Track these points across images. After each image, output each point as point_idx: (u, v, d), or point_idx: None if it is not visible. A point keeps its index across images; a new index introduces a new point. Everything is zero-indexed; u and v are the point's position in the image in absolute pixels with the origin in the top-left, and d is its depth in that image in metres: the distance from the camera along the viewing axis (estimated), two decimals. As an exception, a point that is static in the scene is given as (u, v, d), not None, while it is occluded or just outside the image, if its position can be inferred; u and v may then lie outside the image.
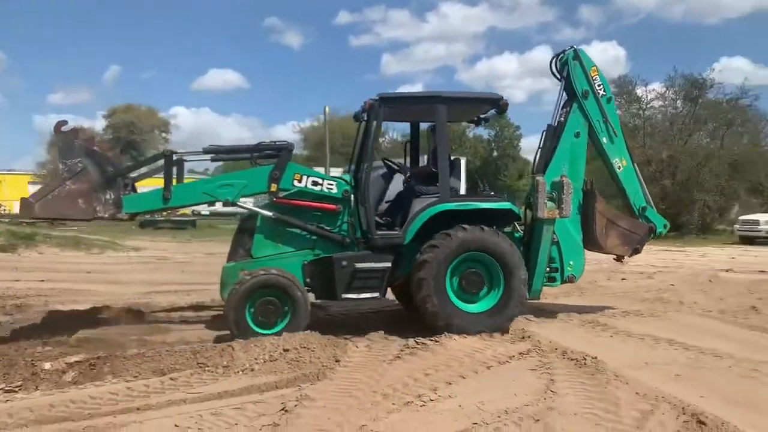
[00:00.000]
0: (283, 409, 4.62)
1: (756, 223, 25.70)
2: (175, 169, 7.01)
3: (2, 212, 52.76)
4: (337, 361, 5.96)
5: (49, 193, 6.23)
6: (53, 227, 32.82)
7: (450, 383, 5.32)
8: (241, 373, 5.68)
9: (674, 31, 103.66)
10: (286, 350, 6.16)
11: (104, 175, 6.59)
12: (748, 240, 25.39)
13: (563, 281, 8.04)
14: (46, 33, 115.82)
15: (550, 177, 7.83)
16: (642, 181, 8.63)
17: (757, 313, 8.72)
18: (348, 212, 7.31)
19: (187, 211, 60.24)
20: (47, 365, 5.70)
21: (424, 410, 4.70)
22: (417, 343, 6.59)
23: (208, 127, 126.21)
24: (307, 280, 7.20)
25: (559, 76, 8.38)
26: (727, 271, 14.07)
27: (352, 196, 7.30)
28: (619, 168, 8.45)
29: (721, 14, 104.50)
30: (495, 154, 66.10)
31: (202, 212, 64.23)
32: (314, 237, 7.25)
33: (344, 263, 7.09)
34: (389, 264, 7.21)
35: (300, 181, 7.15)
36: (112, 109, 55.78)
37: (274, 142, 7.35)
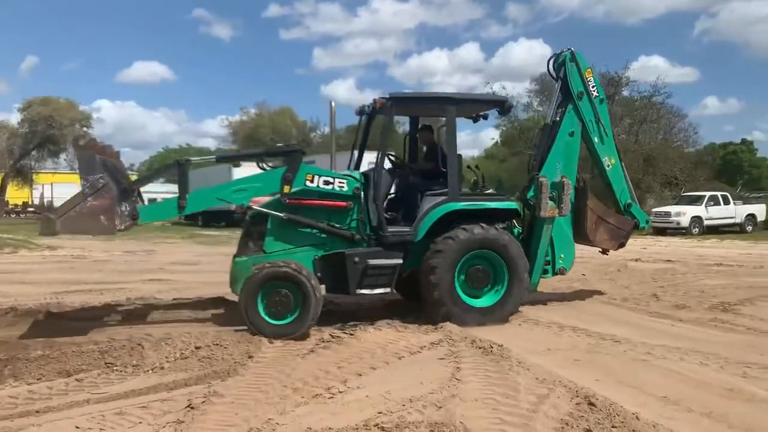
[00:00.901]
0: (189, 406, 4.60)
1: (668, 214, 27.12)
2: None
3: None
4: (250, 357, 5.97)
5: (71, 209, 6.14)
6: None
7: (360, 375, 5.43)
8: (150, 371, 5.61)
9: (596, 31, 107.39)
10: (198, 348, 6.13)
11: (119, 187, 6.58)
12: (661, 231, 26.74)
13: (555, 273, 8.47)
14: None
15: (547, 174, 8.20)
16: (628, 178, 9.17)
17: (657, 300, 9.24)
18: (358, 209, 7.46)
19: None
20: (-59, 370, 5.47)
21: (332, 402, 4.78)
22: (332, 336, 6.69)
23: (134, 121, 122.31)
24: (318, 274, 7.26)
25: (555, 76, 8.78)
26: (635, 260, 14.82)
27: (362, 192, 7.45)
28: (608, 166, 8.95)
29: (641, 15, 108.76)
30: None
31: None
32: (324, 234, 7.39)
33: (356, 259, 7.25)
34: (400, 260, 7.44)
35: (312, 181, 7.29)
36: (28, 102, 52.88)
37: (285, 145, 7.58)
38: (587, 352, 6.25)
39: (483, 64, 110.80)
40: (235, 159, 7.31)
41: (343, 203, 7.41)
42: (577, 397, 4.71)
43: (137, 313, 8.17)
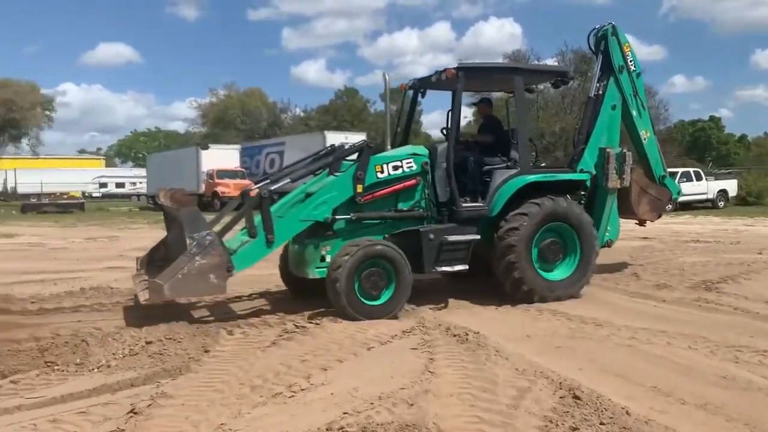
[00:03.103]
0: (131, 411, 4.12)
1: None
2: None
3: None
4: (206, 351, 5.49)
5: (178, 272, 5.86)
6: None
7: (326, 369, 4.97)
8: (96, 370, 5.12)
9: (565, 9, 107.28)
10: (148, 343, 5.66)
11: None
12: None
13: (602, 246, 8.37)
14: None
15: (593, 147, 8.34)
16: (660, 151, 9.38)
17: (638, 280, 8.95)
18: (425, 185, 7.30)
19: (77, 192, 57.19)
20: None
21: (293, 401, 4.33)
22: (296, 326, 6.23)
23: (101, 105, 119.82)
24: None
25: (594, 51, 8.87)
26: (612, 239, 14.56)
27: (430, 167, 7.28)
28: (645, 139, 9.15)
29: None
30: (398, 129, 66.38)
31: (93, 194, 61.20)
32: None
33: (432, 236, 6.99)
34: (477, 235, 7.22)
35: (382, 171, 7.10)
36: (-14, 85, 51.43)
37: (353, 145, 7.24)
38: (568, 337, 5.88)
39: (454, 44, 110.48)
40: (305, 175, 6.68)
41: (413, 181, 7.23)
42: (561, 389, 4.34)
43: (89, 305, 7.61)
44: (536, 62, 35.73)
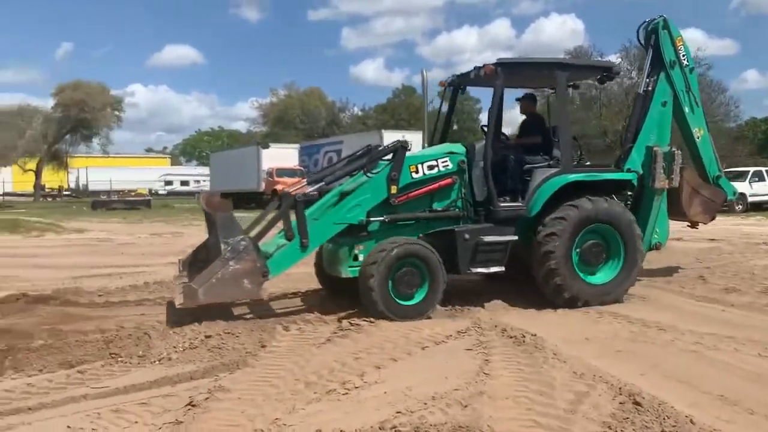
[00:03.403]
0: (190, 404, 4.21)
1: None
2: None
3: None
4: (263, 346, 5.58)
5: (212, 277, 5.92)
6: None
7: (379, 367, 4.97)
8: (157, 362, 5.27)
9: (629, 4, 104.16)
10: (208, 337, 5.78)
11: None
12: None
13: (650, 248, 8.08)
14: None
15: (641, 146, 8.01)
16: (715, 150, 8.97)
17: (704, 283, 8.58)
18: (461, 183, 7.14)
19: (144, 190, 59.11)
20: (-62, 361, 5.20)
21: (347, 399, 4.34)
22: (351, 324, 6.22)
23: (167, 105, 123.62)
24: None
25: (644, 45, 8.52)
26: (677, 239, 14.04)
27: (467, 166, 7.13)
28: (698, 137, 8.73)
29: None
30: (455, 127, 66.00)
31: (159, 192, 63.24)
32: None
33: (467, 236, 6.85)
34: (514, 236, 7.03)
35: (417, 171, 6.95)
36: (61, 87, 53.49)
37: (387, 145, 7.12)
38: (630, 341, 5.70)
39: (514, 41, 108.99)
40: (338, 178, 6.71)
41: (449, 180, 7.07)
42: (621, 395, 4.20)
43: (152, 299, 7.85)
44: (599, 59, 34.74)
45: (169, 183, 67.72)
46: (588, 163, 8.26)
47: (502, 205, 7.08)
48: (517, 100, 8.46)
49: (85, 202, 44.06)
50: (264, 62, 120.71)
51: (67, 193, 61.06)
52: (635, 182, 7.82)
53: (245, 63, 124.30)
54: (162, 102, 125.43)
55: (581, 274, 7.06)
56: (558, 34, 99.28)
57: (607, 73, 8.00)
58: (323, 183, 6.86)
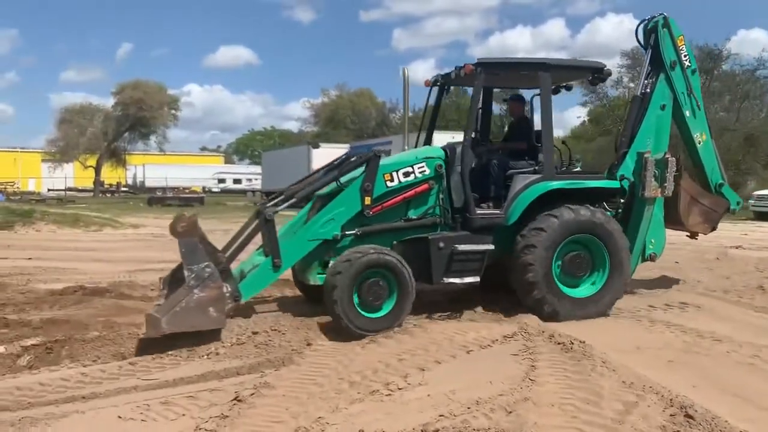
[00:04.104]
0: (236, 399, 4.28)
1: (771, 198, 25.02)
2: None
3: (15, 189, 53.12)
4: (308, 344, 5.63)
5: (176, 305, 5.59)
6: (61, 205, 32.78)
7: (424, 369, 4.95)
8: (205, 357, 5.38)
9: (690, 4, 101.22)
10: (255, 333, 5.88)
11: (219, 268, 5.95)
12: (763, 216, 24.69)
13: (645, 259, 7.71)
14: (60, 11, 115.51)
15: (636, 151, 7.52)
16: (718, 156, 8.42)
17: (764, 293, 8.24)
18: (439, 188, 6.81)
19: (198, 187, 60.44)
20: (1, 348, 5.43)
21: (390, 400, 4.34)
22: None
23: (221, 105, 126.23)
24: None
25: (644, 45, 8.03)
26: (736, 248, 13.56)
27: (444, 170, 6.81)
28: (699, 143, 8.17)
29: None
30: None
31: (213, 189, 64.62)
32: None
33: (441, 245, 6.50)
34: (491, 245, 6.67)
35: (392, 180, 6.63)
36: (121, 86, 55.37)
37: (358, 156, 6.85)
38: (683, 351, 5.52)
39: (568, 41, 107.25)
40: (310, 193, 6.36)
41: (425, 186, 6.76)
42: (672, 406, 4.07)
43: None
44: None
45: (222, 181, 69.11)
46: (577, 169, 7.73)
47: (479, 212, 6.74)
48: (504, 101, 8.15)
49: (141, 198, 45.38)
50: (316, 63, 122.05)
51: (124, 189, 63.00)
52: (626, 190, 7.40)
53: (298, 63, 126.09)
54: (216, 101, 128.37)
55: (563, 287, 6.71)
56: (614, 34, 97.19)
57: (597, 74, 7.50)
58: (294, 200, 6.56)
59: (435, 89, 7.92)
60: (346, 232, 6.47)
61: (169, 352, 5.42)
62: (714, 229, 8.47)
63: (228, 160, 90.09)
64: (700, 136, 8.14)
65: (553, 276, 6.65)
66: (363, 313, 5.98)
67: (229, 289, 5.99)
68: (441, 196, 6.82)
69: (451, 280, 6.61)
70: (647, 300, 7.79)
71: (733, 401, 4.30)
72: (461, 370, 5.01)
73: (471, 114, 7.14)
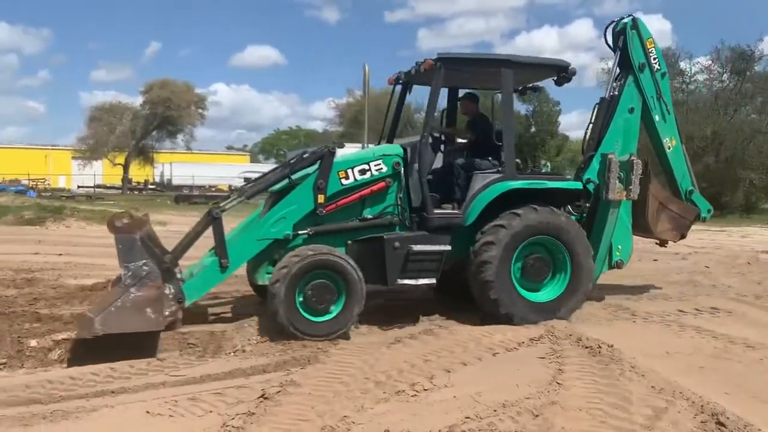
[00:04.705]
0: (262, 396, 4.31)
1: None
2: None
3: (46, 186, 54.12)
4: (334, 343, 5.65)
5: (111, 305, 5.24)
6: (90, 202, 33.34)
7: (449, 371, 4.94)
8: (232, 354, 5.43)
9: (722, 4, 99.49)
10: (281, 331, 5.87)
11: (162, 268, 5.64)
12: (795, 220, 24.23)
13: (611, 267, 7.48)
14: (91, 10, 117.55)
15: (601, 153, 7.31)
16: (689, 162, 8.19)
17: (798, 299, 8.09)
18: (397, 187, 6.59)
19: (224, 186, 60.98)
20: (33, 342, 5.53)
21: (415, 401, 4.33)
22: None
23: (248, 104, 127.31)
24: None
25: (613, 47, 7.85)
26: (767, 252, 13.31)
27: (403, 168, 6.60)
28: (669, 148, 7.98)
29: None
30: (533, 129, 64.79)
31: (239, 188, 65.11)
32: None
33: (397, 245, 6.30)
34: (448, 246, 6.47)
35: (347, 177, 6.40)
36: (149, 85, 56.03)
37: (312, 150, 6.69)
38: (713, 357, 5.43)
39: (595, 42, 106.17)
40: (262, 189, 6.44)
41: (382, 184, 6.51)
42: (703, 413, 4.01)
43: (228, 291, 8.08)
44: (686, 61, 33.23)
45: (248, 180, 69.54)
46: (545, 171, 7.46)
47: (436, 212, 6.56)
48: (458, 100, 7.92)
49: (168, 195, 45.86)
50: (342, 63, 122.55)
51: (152, 186, 63.68)
52: (591, 192, 7.19)
53: (323, 63, 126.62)
54: (243, 101, 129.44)
55: (522, 291, 6.55)
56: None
57: (563, 73, 7.17)
58: (243, 198, 6.33)
59: (398, 87, 7.77)
60: (298, 232, 6.24)
61: (197, 349, 5.49)
62: (683, 236, 8.20)
63: (254, 160, 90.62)
64: (670, 141, 7.95)
65: (511, 277, 6.47)
66: (308, 317, 5.80)
67: (172, 290, 5.72)
68: (399, 195, 6.58)
69: (406, 281, 6.39)
70: (676, 304, 7.69)
71: (766, 409, 4.21)
72: (487, 372, 4.98)
73: (429, 111, 6.90)
